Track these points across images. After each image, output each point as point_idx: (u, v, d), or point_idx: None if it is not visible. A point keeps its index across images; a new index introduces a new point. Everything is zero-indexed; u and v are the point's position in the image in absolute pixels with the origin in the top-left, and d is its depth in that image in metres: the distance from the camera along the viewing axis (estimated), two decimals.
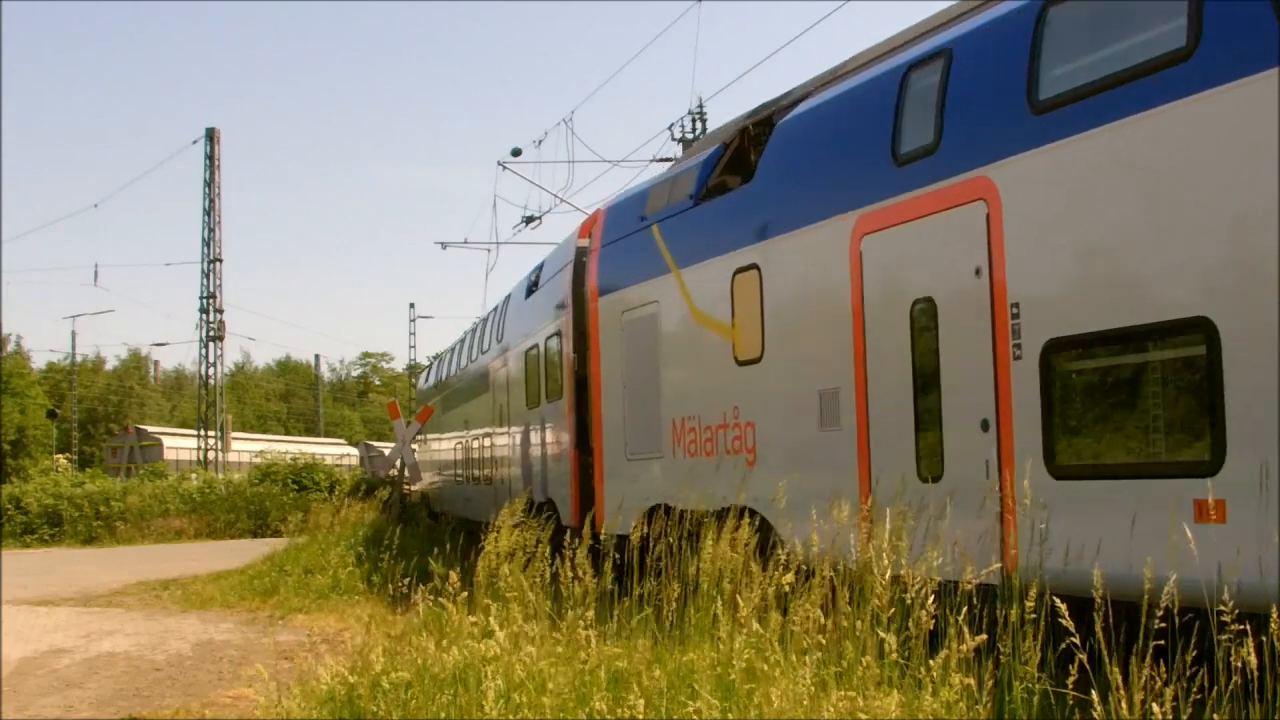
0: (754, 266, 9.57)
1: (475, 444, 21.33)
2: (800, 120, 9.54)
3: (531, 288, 16.65)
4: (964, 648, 4.81)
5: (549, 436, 14.73)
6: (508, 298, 19.15)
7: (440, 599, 6.48)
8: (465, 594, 6.37)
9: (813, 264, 8.86)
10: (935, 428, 7.43)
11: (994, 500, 6.78)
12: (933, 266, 7.52)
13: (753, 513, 8.11)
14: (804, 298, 9.06)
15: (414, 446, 27.31)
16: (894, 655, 4.96)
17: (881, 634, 5.02)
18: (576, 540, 6.68)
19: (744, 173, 10.56)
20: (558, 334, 14.04)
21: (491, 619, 6.02)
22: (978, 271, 7.10)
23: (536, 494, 14.80)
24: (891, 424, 7.83)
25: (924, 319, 7.57)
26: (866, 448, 8.05)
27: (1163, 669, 4.38)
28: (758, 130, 10.63)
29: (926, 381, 7.53)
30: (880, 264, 8.04)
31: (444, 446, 26.37)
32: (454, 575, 6.32)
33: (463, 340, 25.04)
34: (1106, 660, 4.54)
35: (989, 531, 6.80)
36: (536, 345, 15.45)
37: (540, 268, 16.40)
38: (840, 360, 8.34)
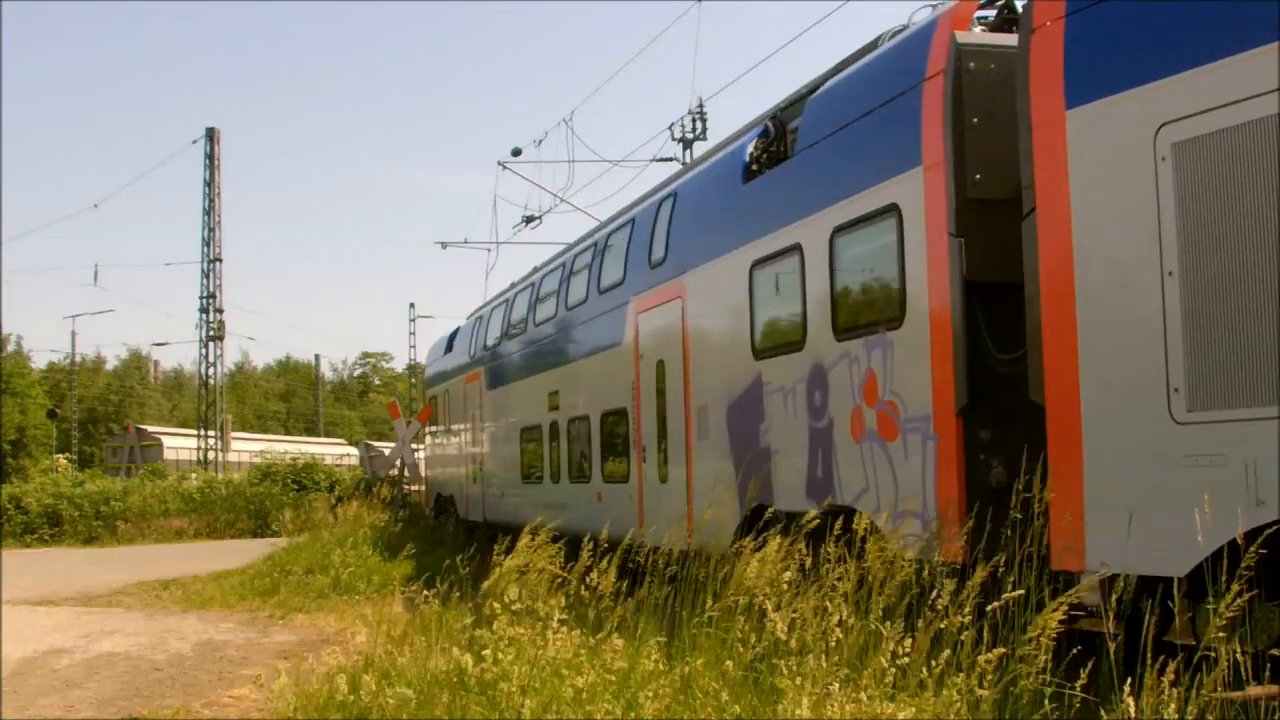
0: None
1: (579, 426, 14.77)
2: None
3: (761, 160, 10.27)
4: (983, 660, 4.76)
5: (840, 398, 8.47)
6: (664, 200, 12.42)
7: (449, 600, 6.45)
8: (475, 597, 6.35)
9: None
10: None
11: None
12: None
13: None
14: None
15: (414, 446, 27.35)
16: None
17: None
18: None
19: None
20: (885, 214, 7.95)
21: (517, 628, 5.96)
22: None
23: (785, 498, 9.15)
24: None
25: None
26: None
27: (1170, 670, 4.36)
28: None
29: None
30: None
31: (497, 434, 19.42)
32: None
33: (531, 286, 17.88)
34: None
35: None
36: (795, 249, 9.19)
37: (768, 131, 10.24)
38: None
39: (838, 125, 8.77)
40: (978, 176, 7.29)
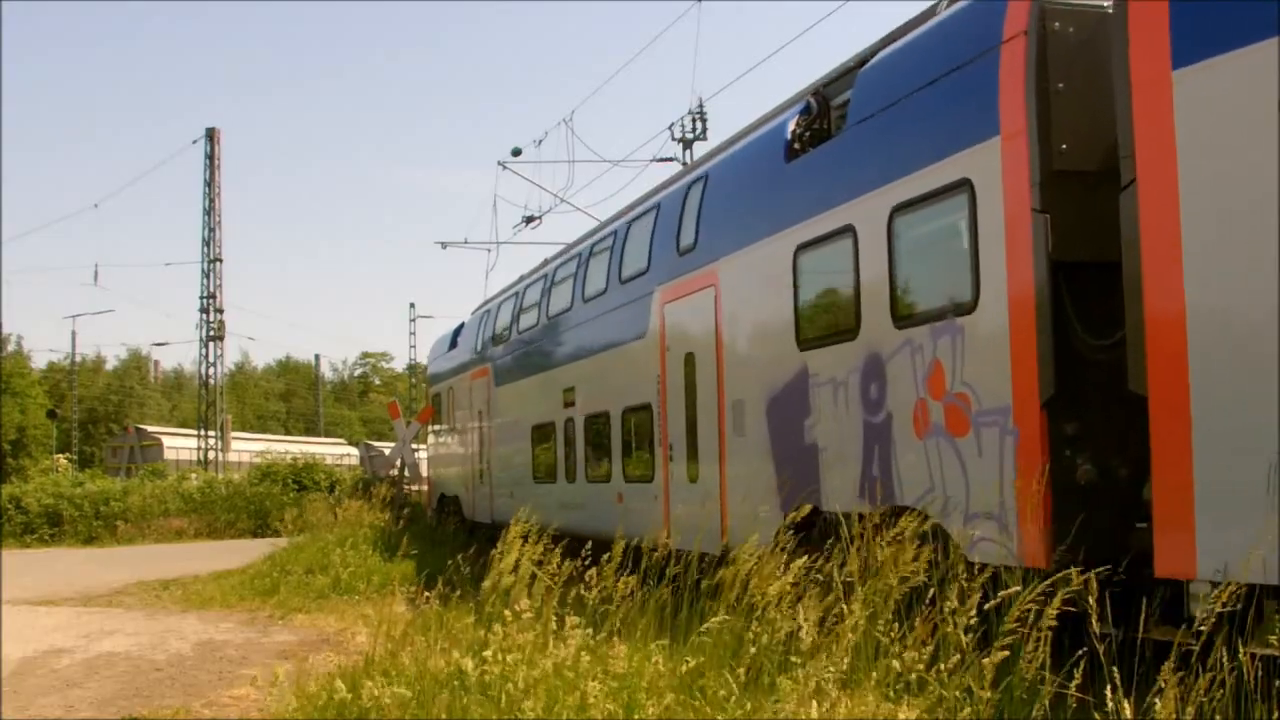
0: None
1: (597, 423, 14.12)
2: None
3: (805, 138, 9.66)
4: (987, 661, 4.75)
5: (900, 390, 7.77)
6: (694, 183, 11.74)
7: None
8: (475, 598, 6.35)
9: None
10: None
11: None
12: None
13: None
14: None
15: (415, 446, 27.37)
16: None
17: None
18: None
19: None
20: (955, 190, 7.29)
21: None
22: None
23: (835, 498, 8.41)
24: None
25: None
26: None
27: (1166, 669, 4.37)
28: None
29: None
30: None
31: (506, 432, 18.66)
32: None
33: (544, 277, 17.20)
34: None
35: None
36: (847, 231, 8.50)
37: (810, 108, 9.65)
38: None
39: (897, 96, 8.05)
40: (1064, 146, 6.62)
